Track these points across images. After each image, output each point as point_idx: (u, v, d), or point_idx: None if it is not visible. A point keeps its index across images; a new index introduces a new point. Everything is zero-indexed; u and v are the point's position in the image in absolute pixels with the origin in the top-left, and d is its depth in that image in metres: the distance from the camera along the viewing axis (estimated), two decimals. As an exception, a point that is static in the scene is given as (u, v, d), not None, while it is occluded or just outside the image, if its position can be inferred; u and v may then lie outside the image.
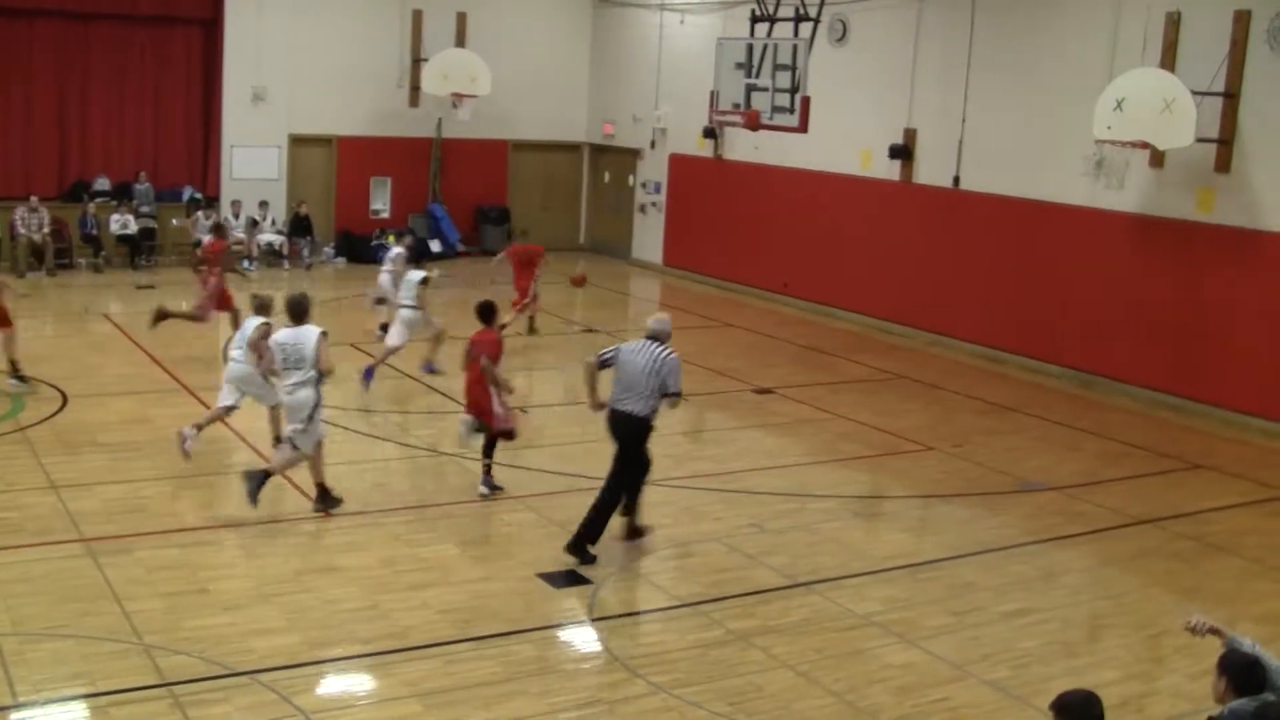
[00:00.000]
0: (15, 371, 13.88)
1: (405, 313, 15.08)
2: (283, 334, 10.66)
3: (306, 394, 10.45)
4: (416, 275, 15.20)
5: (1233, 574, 10.63)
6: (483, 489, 11.34)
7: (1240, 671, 5.61)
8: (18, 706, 7.24)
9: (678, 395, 9.94)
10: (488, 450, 11.34)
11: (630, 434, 9.98)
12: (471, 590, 9.28)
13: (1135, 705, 8.09)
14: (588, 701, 7.73)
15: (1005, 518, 11.70)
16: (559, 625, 8.90)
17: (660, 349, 9.89)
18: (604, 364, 10.07)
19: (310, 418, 10.47)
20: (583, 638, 8.77)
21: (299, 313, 10.61)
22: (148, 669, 7.76)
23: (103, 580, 9.00)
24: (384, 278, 16.89)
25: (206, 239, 17.98)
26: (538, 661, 8.25)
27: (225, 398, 11.86)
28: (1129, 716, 7.92)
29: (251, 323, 11.69)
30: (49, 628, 8.22)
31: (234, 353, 11.91)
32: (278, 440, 11.65)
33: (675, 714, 7.63)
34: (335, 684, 7.89)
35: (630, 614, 9.21)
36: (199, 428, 11.60)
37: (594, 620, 8.97)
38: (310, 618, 8.64)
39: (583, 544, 9.92)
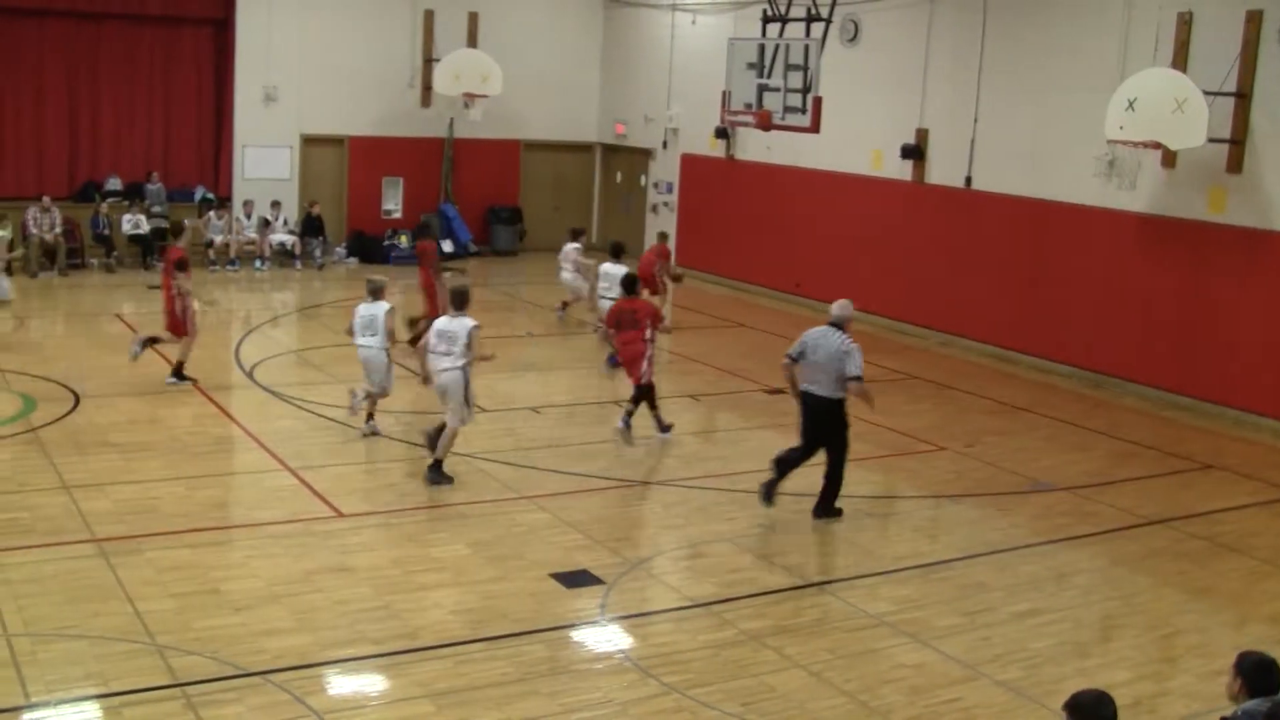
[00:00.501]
0: (178, 370, 14.36)
1: (609, 304, 15.79)
2: (442, 321, 11.81)
3: (454, 376, 11.35)
4: (620, 270, 15.90)
5: (1244, 574, 10.60)
6: (619, 424, 12.83)
7: (1255, 672, 5.60)
8: (30, 707, 7.27)
9: (857, 379, 10.54)
10: (636, 400, 12.94)
11: (822, 413, 10.81)
12: (483, 590, 9.29)
13: (1148, 705, 8.08)
14: (600, 702, 7.73)
15: (1016, 518, 11.68)
16: (571, 625, 8.89)
17: (842, 338, 10.64)
18: (795, 359, 10.86)
19: (465, 399, 11.47)
20: (595, 638, 8.76)
21: (461, 302, 11.62)
22: (160, 669, 7.78)
23: (114, 580, 9.03)
24: (566, 275, 18.33)
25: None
26: (549, 662, 8.26)
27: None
28: (1141, 717, 7.91)
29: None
30: (61, 628, 8.24)
31: (360, 339, 12.66)
32: (370, 417, 12.73)
33: (688, 714, 7.63)
34: (347, 684, 7.90)
35: (642, 614, 9.20)
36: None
37: (606, 621, 8.98)
38: (322, 618, 8.65)
39: (828, 507, 11.06)
